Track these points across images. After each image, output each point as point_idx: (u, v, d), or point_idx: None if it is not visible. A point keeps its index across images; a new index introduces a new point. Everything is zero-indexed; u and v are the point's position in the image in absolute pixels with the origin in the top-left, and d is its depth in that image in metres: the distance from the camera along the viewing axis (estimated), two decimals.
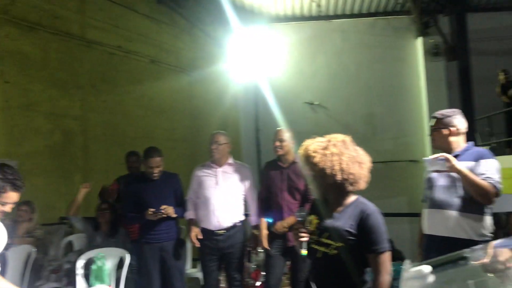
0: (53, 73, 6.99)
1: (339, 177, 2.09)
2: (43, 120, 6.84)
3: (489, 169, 2.81)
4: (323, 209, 2.20)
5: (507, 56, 9.99)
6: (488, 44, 10.14)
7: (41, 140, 6.79)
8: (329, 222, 2.14)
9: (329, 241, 2.09)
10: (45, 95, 6.87)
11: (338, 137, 2.22)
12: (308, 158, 2.14)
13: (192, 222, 4.12)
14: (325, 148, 2.15)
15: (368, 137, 10.21)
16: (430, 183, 3.04)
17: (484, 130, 8.39)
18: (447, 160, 2.73)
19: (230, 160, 4.17)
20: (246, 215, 4.19)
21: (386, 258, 2.03)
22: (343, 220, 2.11)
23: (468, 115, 5.93)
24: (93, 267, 3.78)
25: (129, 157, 5.07)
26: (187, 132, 9.24)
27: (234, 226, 4.02)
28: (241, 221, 4.07)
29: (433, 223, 2.97)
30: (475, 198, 2.80)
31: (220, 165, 4.11)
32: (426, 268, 1.80)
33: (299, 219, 2.20)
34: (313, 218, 2.19)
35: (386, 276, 2.01)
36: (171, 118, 9.02)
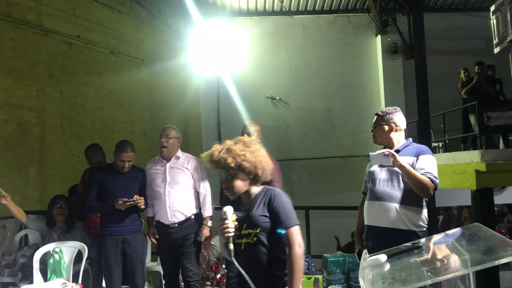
0: (8, 62, 6.74)
1: (250, 170, 2.29)
2: None
3: (428, 165, 2.98)
4: (237, 204, 2.37)
5: (460, 55, 10.39)
6: (443, 44, 10.51)
7: None
8: (246, 214, 2.31)
9: (249, 230, 2.26)
10: (0, 85, 6.63)
11: (240, 139, 2.39)
12: (220, 160, 2.27)
13: (151, 220, 4.12)
14: (232, 149, 2.31)
15: (327, 132, 10.41)
16: (371, 176, 3.20)
17: (439, 127, 8.70)
18: (391, 155, 2.87)
19: (178, 153, 4.16)
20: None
21: (294, 232, 2.21)
22: (257, 208, 2.29)
23: (424, 112, 6.16)
24: (50, 261, 3.71)
25: (88, 151, 4.91)
26: (147, 125, 9.13)
27: (187, 219, 4.04)
28: (194, 214, 4.08)
29: (374, 214, 3.12)
30: (416, 192, 2.96)
31: (168, 160, 4.11)
32: (383, 257, 1.90)
33: (223, 216, 2.28)
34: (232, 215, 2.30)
35: (297, 248, 2.18)
36: (130, 111, 8.88)
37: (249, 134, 3.96)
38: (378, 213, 3.08)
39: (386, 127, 3.20)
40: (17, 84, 6.86)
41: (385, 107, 3.55)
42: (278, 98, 10.33)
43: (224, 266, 4.90)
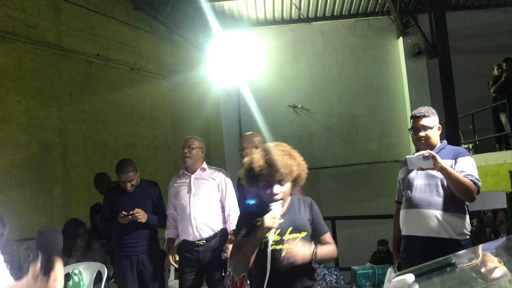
0: (29, 83, 6.81)
1: (302, 179, 2.30)
2: (19, 131, 6.64)
3: (468, 167, 2.82)
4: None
5: (486, 53, 10.06)
6: (467, 42, 10.21)
7: (17, 153, 6.59)
8: (290, 218, 2.26)
9: (294, 235, 2.22)
10: (21, 106, 6.68)
11: (279, 145, 2.34)
12: (285, 165, 2.20)
13: (170, 242, 3.95)
14: (295, 156, 2.29)
15: (352, 138, 10.19)
16: (407, 183, 3.00)
17: (467, 128, 8.41)
18: (433, 157, 2.69)
19: (204, 165, 4.02)
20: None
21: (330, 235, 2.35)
22: (300, 213, 2.30)
23: (451, 113, 5.92)
24: (70, 283, 3.64)
25: (95, 182, 4.90)
26: (169, 139, 9.10)
27: (214, 236, 3.83)
28: (222, 230, 3.88)
29: (412, 223, 2.93)
30: (458, 196, 2.79)
31: (193, 172, 3.96)
32: (410, 277, 1.72)
33: (269, 209, 2.20)
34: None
35: (335, 246, 2.31)
36: (152, 126, 8.87)
37: (242, 149, 3.81)
38: (417, 222, 2.89)
39: (437, 128, 3.01)
40: (39, 105, 6.91)
41: (411, 110, 3.38)
42: (300, 106, 10.18)
43: (249, 282, 4.76)
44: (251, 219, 2.25)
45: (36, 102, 6.89)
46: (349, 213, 7.71)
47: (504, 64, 7.59)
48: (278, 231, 2.20)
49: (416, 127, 3.00)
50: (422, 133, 2.98)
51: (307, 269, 2.25)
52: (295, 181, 2.28)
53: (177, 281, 4.81)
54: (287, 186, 2.24)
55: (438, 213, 2.84)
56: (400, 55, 10.31)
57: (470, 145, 8.91)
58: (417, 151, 3.05)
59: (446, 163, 2.80)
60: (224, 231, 3.89)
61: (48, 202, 6.85)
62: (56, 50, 7.19)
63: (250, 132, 3.92)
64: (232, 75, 9.53)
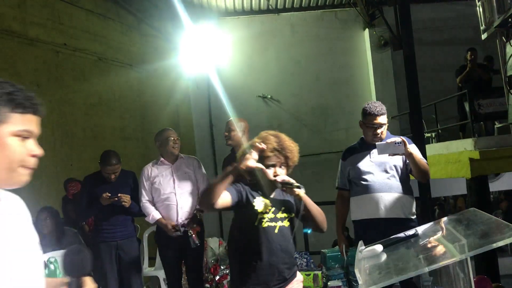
0: None
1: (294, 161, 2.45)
2: None
3: (418, 152, 3.11)
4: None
5: (449, 45, 10.41)
6: (432, 34, 10.53)
7: None
8: (283, 199, 2.44)
9: (285, 214, 2.40)
10: None
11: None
12: (293, 151, 2.40)
13: (162, 220, 3.98)
14: (289, 140, 2.47)
15: (320, 128, 10.39)
16: (362, 170, 3.22)
17: (430, 117, 8.70)
18: (404, 143, 2.90)
19: (181, 155, 4.15)
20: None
21: None
22: (288, 196, 2.42)
23: (415, 103, 6.13)
24: (46, 271, 3.66)
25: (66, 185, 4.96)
26: (138, 130, 9.07)
27: (193, 219, 4.01)
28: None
29: (373, 207, 3.16)
30: (417, 177, 3.11)
31: (172, 162, 4.06)
32: (379, 247, 1.89)
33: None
34: (263, 199, 2.38)
35: None
36: (121, 116, 8.82)
37: (229, 131, 3.93)
38: (379, 205, 3.13)
39: (386, 123, 3.27)
40: None
41: (376, 100, 3.59)
42: (269, 96, 10.30)
43: (222, 267, 4.87)
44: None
45: None
46: (315, 200, 7.89)
47: (468, 53, 7.86)
48: (273, 209, 2.37)
49: (375, 124, 3.19)
50: (379, 130, 3.20)
51: (293, 245, 2.43)
52: (288, 166, 2.44)
53: (151, 269, 4.89)
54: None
55: (397, 195, 3.11)
56: (366, 46, 10.53)
57: (433, 134, 9.24)
58: (362, 140, 3.27)
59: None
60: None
61: (17, 193, 6.75)
62: (22, 39, 7.06)
63: (237, 117, 4.07)
64: (202, 65, 9.54)
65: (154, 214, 3.99)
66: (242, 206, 2.35)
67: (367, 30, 10.45)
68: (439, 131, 8.94)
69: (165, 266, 4.09)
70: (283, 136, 2.43)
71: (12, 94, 1.24)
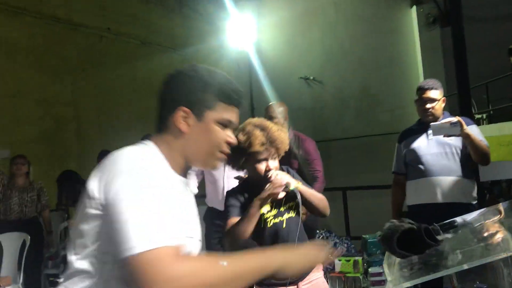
0: (42, 59, 6.88)
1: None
2: (33, 107, 6.75)
3: (478, 133, 2.93)
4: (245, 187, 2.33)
5: (501, 22, 9.85)
6: (483, 11, 9.98)
7: (32, 128, 6.71)
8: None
9: (289, 204, 2.27)
10: (34, 82, 6.76)
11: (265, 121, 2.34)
12: (281, 140, 2.24)
13: None
14: (277, 129, 2.29)
15: (364, 110, 10.14)
16: (418, 153, 3.07)
17: (482, 98, 8.31)
18: (461, 124, 2.76)
19: None
20: None
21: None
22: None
23: (464, 82, 5.83)
24: None
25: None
26: None
27: None
28: None
29: (431, 191, 3.00)
30: (476, 160, 2.92)
31: None
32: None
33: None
34: None
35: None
36: None
37: (272, 117, 3.82)
38: (437, 189, 2.98)
39: (443, 100, 3.09)
40: (52, 80, 6.99)
41: (424, 80, 3.43)
42: (312, 78, 10.12)
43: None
44: (241, 196, 2.26)
45: (49, 77, 6.96)
46: (360, 185, 7.72)
47: None
48: (274, 204, 2.22)
49: (424, 99, 3.04)
50: (429, 105, 3.03)
51: (309, 239, 2.29)
52: (279, 155, 2.30)
53: None
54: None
55: (457, 179, 2.94)
56: (413, 25, 10.11)
57: (484, 115, 8.82)
58: (419, 122, 3.11)
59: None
60: None
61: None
62: (67, 25, 7.22)
63: (278, 102, 3.96)
64: (243, 47, 9.48)
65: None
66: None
67: (414, 7, 10.03)
68: (491, 112, 8.52)
69: (207, 245, 4.10)
70: (269, 126, 2.24)
71: (224, 85, 1.34)
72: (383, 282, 3.96)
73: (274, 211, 2.24)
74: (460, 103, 5.83)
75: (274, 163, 2.23)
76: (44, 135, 6.81)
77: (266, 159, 2.21)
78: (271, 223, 2.23)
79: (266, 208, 2.18)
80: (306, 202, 2.22)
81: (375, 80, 10.10)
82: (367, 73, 10.12)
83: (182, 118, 1.29)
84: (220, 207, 3.89)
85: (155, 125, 1.35)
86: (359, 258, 4.20)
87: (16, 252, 4.45)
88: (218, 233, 3.93)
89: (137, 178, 1.10)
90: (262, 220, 2.21)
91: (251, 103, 10.09)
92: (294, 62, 10.12)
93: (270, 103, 3.94)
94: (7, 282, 4.15)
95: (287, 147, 2.27)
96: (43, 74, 6.85)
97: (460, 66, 5.68)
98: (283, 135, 2.24)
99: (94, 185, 1.12)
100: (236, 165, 2.30)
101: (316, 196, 2.27)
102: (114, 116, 7.91)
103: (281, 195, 2.14)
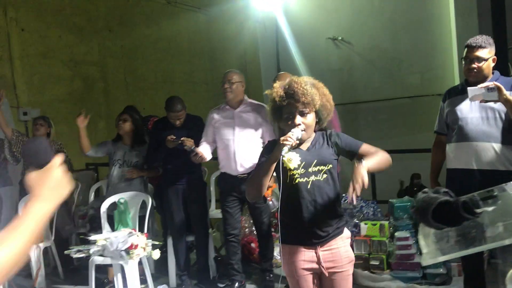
0: (69, 19, 6.87)
1: (325, 113, 2.30)
2: (62, 67, 6.80)
3: None
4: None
5: None
6: None
7: (61, 88, 6.79)
8: (315, 151, 2.28)
9: (319, 167, 2.23)
10: (63, 42, 6.79)
11: (302, 77, 2.30)
12: (305, 93, 2.18)
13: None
14: (318, 86, 2.28)
15: (393, 72, 9.89)
16: (459, 115, 2.94)
17: None
18: (498, 89, 2.61)
19: (246, 99, 4.02)
20: None
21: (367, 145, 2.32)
22: (322, 147, 2.29)
23: (501, 44, 5.60)
24: (116, 212, 3.83)
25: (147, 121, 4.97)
26: (207, 74, 9.09)
27: None
28: None
29: (467, 156, 2.90)
30: None
31: (235, 107, 3.97)
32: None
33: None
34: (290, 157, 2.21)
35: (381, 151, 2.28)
36: (190, 61, 8.85)
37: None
38: (474, 155, 2.86)
39: (494, 59, 2.92)
40: (79, 40, 7.00)
41: (457, 41, 3.25)
42: (340, 38, 9.87)
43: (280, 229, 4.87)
44: (271, 148, 2.25)
45: (77, 38, 6.97)
46: (388, 148, 7.61)
47: None
48: (303, 164, 2.21)
49: (470, 58, 2.89)
50: (474, 65, 2.88)
51: (333, 200, 2.27)
52: (320, 115, 2.27)
53: (217, 211, 4.99)
54: (311, 118, 2.23)
55: (496, 145, 2.81)
56: None
57: None
58: (466, 82, 2.97)
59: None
60: None
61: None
62: None
63: (283, 72, 3.88)
64: (269, 6, 9.26)
65: (199, 148, 3.89)
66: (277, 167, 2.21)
67: None
68: None
69: (223, 211, 4.10)
70: (296, 79, 2.20)
71: None
72: (409, 246, 3.94)
73: (302, 170, 2.22)
74: (496, 66, 5.62)
75: (300, 119, 2.19)
76: (72, 95, 6.89)
77: (293, 115, 2.19)
78: (297, 181, 2.22)
79: (294, 164, 2.17)
80: (375, 169, 2.21)
81: (405, 41, 9.79)
82: (397, 34, 9.80)
83: None
84: (232, 171, 3.91)
85: None
86: (386, 222, 4.17)
87: None
88: (232, 197, 3.95)
89: None
90: (288, 176, 2.22)
91: (277, 65, 9.94)
92: (321, 22, 9.86)
93: (280, 73, 3.86)
94: (41, 239, 4.31)
95: (318, 100, 2.20)
96: (70, 34, 6.87)
97: (498, 27, 5.45)
98: (309, 88, 2.18)
99: None
100: (272, 121, 2.36)
101: (381, 162, 2.24)
102: (140, 76, 7.93)
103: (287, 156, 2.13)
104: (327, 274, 2.24)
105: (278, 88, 2.23)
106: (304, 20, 9.57)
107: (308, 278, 2.27)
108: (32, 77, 6.38)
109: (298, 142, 2.17)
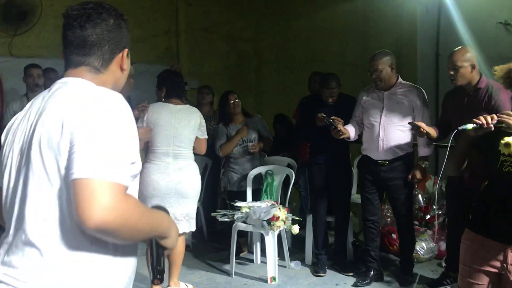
0: None
1: None
2: (221, 42, 7.16)
3: None
4: None
5: None
6: None
7: (219, 61, 7.16)
8: None
9: None
10: (223, 18, 7.12)
11: None
12: None
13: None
14: None
15: None
16: None
17: None
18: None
19: (399, 80, 3.78)
20: (415, 144, 3.84)
21: None
22: None
23: None
24: (265, 182, 3.93)
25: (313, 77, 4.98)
26: (358, 56, 8.81)
27: (399, 158, 3.70)
28: (407, 153, 3.74)
29: None
30: None
31: (385, 88, 3.76)
32: None
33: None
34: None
35: None
36: (342, 41, 8.65)
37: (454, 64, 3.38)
38: None
39: None
40: (237, 16, 7.28)
41: None
42: None
43: (435, 207, 4.56)
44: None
45: (236, 14, 7.26)
46: None
47: None
48: None
49: None
50: None
51: None
52: None
53: (358, 196, 4.87)
54: None
55: None
56: None
57: None
58: None
59: None
60: (409, 154, 3.75)
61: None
62: None
63: (461, 47, 3.51)
64: None
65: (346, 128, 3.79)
66: (485, 147, 2.03)
67: None
68: None
69: (362, 196, 3.97)
70: None
71: None
72: None
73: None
74: None
75: None
76: (228, 69, 7.23)
77: None
78: (506, 169, 1.99)
79: (507, 147, 1.95)
80: None
81: None
82: None
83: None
84: (373, 155, 3.76)
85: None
86: None
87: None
88: (370, 182, 3.88)
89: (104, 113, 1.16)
90: (500, 161, 2.01)
91: (436, 50, 9.27)
92: (492, 4, 8.91)
93: (454, 50, 3.49)
94: None
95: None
96: (231, 10, 7.16)
97: None
98: None
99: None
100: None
101: None
102: (290, 55, 7.99)
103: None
104: (511, 278, 2.01)
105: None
106: (471, 2, 8.75)
107: (483, 274, 2.06)
108: (194, 50, 6.82)
109: None
